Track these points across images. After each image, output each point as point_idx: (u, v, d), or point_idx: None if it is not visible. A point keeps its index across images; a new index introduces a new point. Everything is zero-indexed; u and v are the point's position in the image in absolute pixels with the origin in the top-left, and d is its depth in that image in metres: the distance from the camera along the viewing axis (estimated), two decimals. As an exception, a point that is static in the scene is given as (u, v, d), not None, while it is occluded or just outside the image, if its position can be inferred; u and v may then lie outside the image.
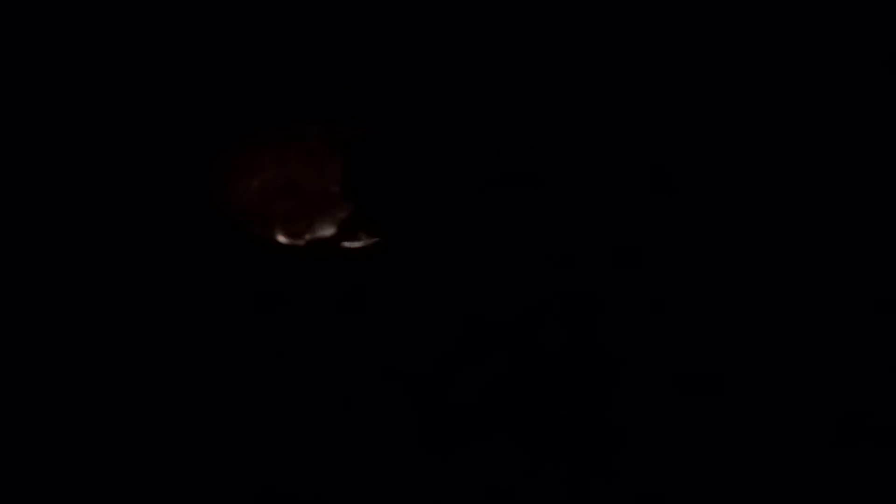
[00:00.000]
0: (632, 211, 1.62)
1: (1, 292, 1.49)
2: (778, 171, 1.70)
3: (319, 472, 1.34)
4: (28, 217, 1.60)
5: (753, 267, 1.59)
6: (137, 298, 1.42)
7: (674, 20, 1.78)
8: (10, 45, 1.75)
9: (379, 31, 1.84)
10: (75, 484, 1.32)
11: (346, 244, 1.46)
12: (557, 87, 1.73)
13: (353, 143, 1.51)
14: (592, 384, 1.43)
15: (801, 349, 1.48)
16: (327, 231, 1.51)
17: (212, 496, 1.33)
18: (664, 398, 1.43)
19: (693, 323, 1.51)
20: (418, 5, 1.84)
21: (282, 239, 1.49)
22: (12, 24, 1.76)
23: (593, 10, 1.85)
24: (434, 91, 1.76)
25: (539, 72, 1.76)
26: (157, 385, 1.37)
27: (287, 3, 1.81)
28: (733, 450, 1.38)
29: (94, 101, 1.74)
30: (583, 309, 1.52)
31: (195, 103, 1.72)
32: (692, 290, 1.55)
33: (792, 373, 1.46)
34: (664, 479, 1.36)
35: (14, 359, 1.38)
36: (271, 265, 1.44)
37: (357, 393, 1.39)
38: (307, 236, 1.50)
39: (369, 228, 1.45)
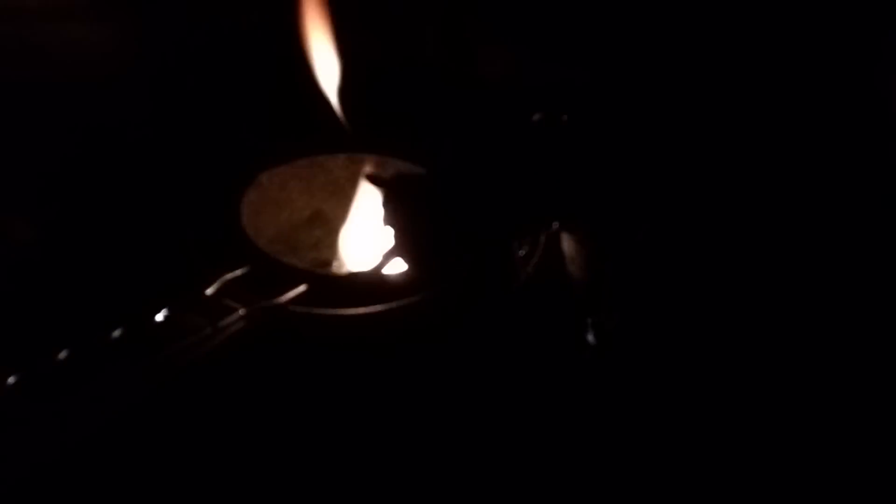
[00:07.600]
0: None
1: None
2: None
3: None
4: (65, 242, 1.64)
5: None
6: (169, 322, 1.41)
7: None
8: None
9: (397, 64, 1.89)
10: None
11: (373, 269, 1.47)
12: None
13: (376, 174, 1.54)
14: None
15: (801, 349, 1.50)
16: (354, 258, 1.56)
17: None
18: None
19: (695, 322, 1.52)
20: (435, 41, 1.88)
21: (309, 266, 1.52)
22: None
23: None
24: (458, 123, 1.78)
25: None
26: (186, 419, 1.34)
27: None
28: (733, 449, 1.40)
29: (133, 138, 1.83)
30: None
31: (227, 139, 1.79)
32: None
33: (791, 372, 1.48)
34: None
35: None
36: (299, 291, 1.47)
37: (399, 418, 1.38)
38: (333, 263, 1.55)
39: (396, 254, 1.46)
